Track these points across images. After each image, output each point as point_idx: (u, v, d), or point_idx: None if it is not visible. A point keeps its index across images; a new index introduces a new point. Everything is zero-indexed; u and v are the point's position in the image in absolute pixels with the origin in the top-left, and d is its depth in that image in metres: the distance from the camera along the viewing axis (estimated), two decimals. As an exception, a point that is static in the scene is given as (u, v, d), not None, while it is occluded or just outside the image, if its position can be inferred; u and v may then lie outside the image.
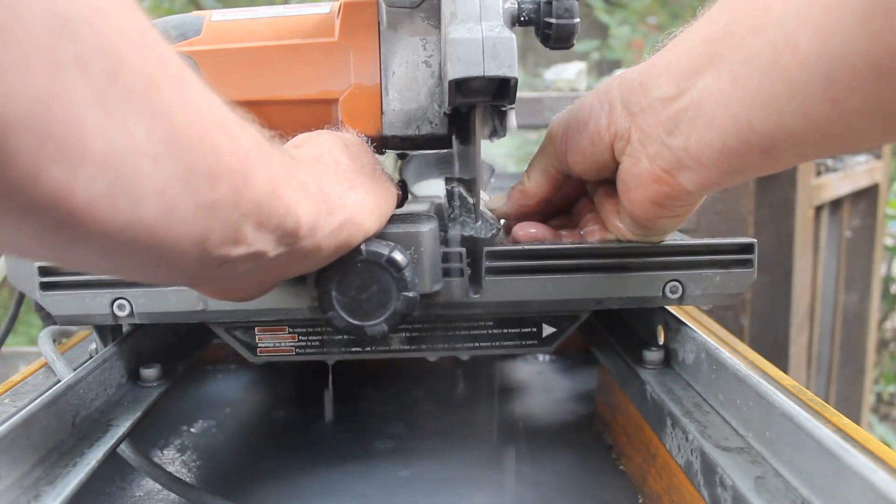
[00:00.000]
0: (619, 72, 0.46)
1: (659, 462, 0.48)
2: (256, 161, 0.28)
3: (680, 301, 0.46)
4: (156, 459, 0.52)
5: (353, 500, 0.50)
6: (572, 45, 0.43)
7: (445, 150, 0.49)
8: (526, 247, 0.46)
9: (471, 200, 0.47)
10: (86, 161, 0.20)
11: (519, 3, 0.43)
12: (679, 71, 0.37)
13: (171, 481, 0.46)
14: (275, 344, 0.50)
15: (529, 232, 0.47)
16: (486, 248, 0.45)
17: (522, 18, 0.43)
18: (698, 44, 0.36)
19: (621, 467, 0.54)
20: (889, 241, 2.46)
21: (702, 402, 0.42)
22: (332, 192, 0.36)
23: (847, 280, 1.66)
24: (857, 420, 1.48)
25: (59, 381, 0.46)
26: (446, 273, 0.45)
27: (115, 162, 0.21)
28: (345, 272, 0.40)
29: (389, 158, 0.72)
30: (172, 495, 0.48)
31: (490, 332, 0.50)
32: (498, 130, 0.43)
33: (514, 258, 0.46)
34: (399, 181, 0.47)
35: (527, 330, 0.50)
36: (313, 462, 0.55)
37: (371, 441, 0.58)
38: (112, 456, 0.39)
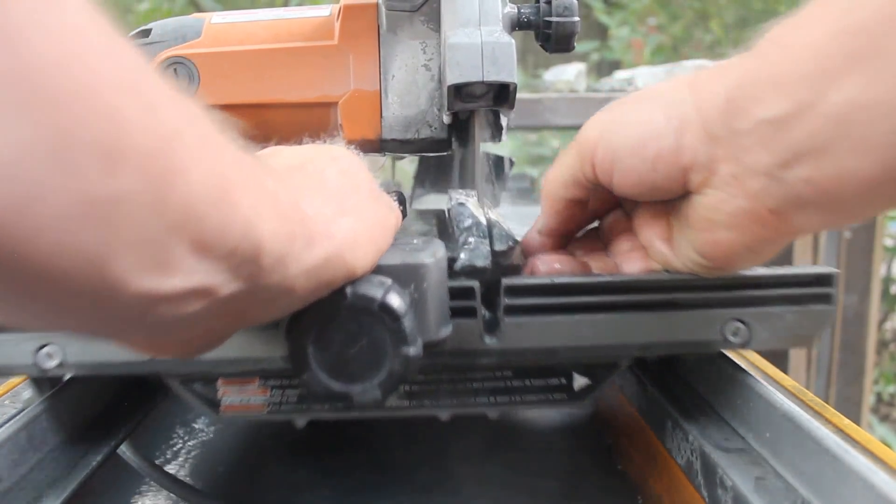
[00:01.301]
0: (688, 64, 0.42)
1: (659, 463, 0.48)
2: (193, 148, 0.20)
3: (744, 346, 0.38)
4: (156, 461, 0.53)
5: (353, 500, 0.50)
6: (573, 47, 0.43)
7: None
8: (554, 280, 0.37)
9: (482, 220, 0.39)
10: None
11: (518, 8, 0.43)
12: (799, 80, 0.28)
13: (171, 483, 0.46)
14: (242, 399, 0.41)
15: (554, 267, 0.40)
16: (506, 283, 0.37)
17: (523, 20, 0.43)
18: (829, 42, 0.27)
19: (621, 468, 0.54)
20: (889, 242, 2.45)
21: (702, 402, 0.42)
22: (316, 213, 0.28)
23: (847, 281, 1.65)
24: (857, 421, 1.48)
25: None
26: (455, 313, 0.36)
27: None
28: (325, 321, 0.30)
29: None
30: (173, 497, 0.48)
31: (509, 384, 0.41)
32: (497, 134, 0.43)
33: (540, 294, 0.37)
34: (397, 194, 0.41)
35: (554, 381, 0.41)
36: (314, 464, 0.55)
37: (371, 441, 0.58)
38: (112, 458, 0.39)
